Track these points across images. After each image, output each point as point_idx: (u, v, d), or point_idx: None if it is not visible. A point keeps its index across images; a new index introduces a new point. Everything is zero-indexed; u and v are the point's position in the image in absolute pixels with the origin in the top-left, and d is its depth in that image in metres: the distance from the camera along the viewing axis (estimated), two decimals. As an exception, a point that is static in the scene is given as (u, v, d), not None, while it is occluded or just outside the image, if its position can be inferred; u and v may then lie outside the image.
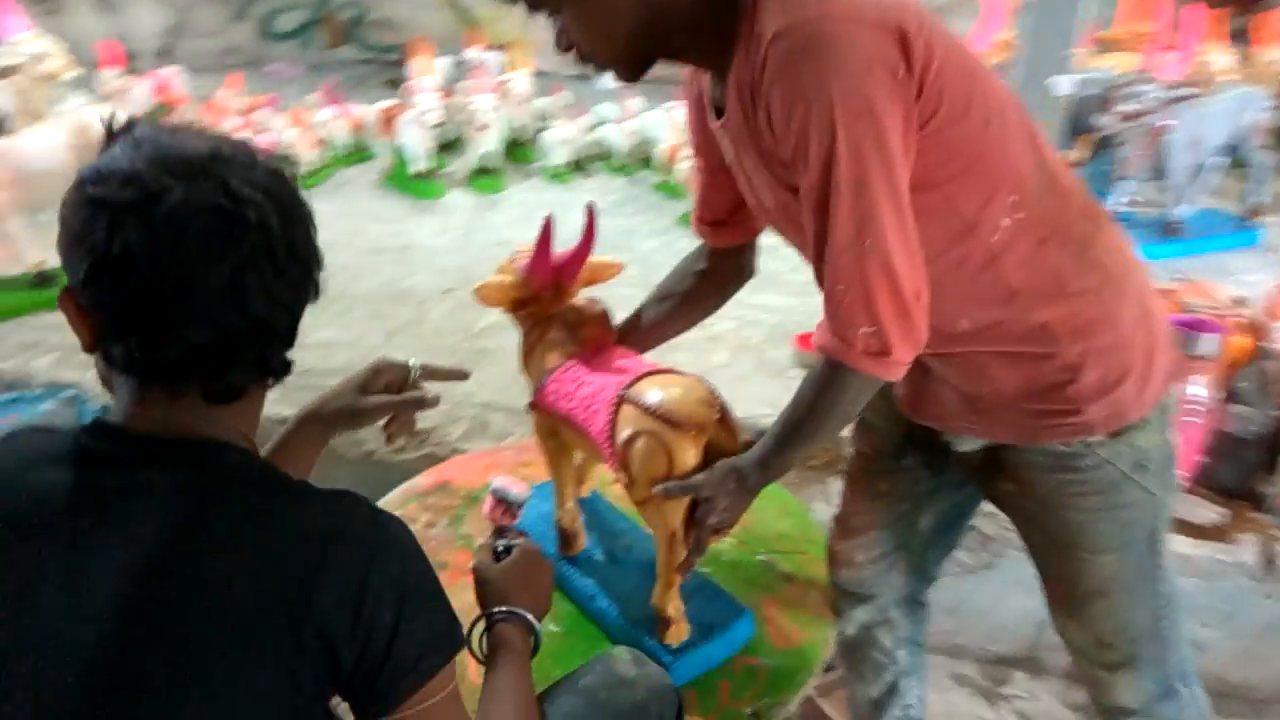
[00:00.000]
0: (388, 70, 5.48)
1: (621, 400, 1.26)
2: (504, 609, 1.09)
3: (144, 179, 0.75)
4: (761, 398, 2.35)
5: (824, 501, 2.13)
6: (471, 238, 3.41)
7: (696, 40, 1.04)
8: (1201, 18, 3.66)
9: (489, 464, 1.80)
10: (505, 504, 1.29)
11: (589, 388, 1.33)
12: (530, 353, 1.43)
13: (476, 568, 1.18)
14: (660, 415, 1.20)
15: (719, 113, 1.10)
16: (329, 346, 2.62)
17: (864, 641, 1.45)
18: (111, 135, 0.81)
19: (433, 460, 2.23)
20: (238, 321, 0.78)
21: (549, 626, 1.38)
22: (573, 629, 1.42)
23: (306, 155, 3.91)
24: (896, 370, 1.03)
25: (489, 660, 1.04)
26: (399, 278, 3.07)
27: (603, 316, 1.46)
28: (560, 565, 1.50)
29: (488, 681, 1.01)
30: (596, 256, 1.48)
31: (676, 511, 1.23)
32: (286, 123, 4.00)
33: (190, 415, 0.81)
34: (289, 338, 0.86)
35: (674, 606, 1.33)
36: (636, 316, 1.50)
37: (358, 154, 4.20)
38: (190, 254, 0.75)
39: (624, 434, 1.23)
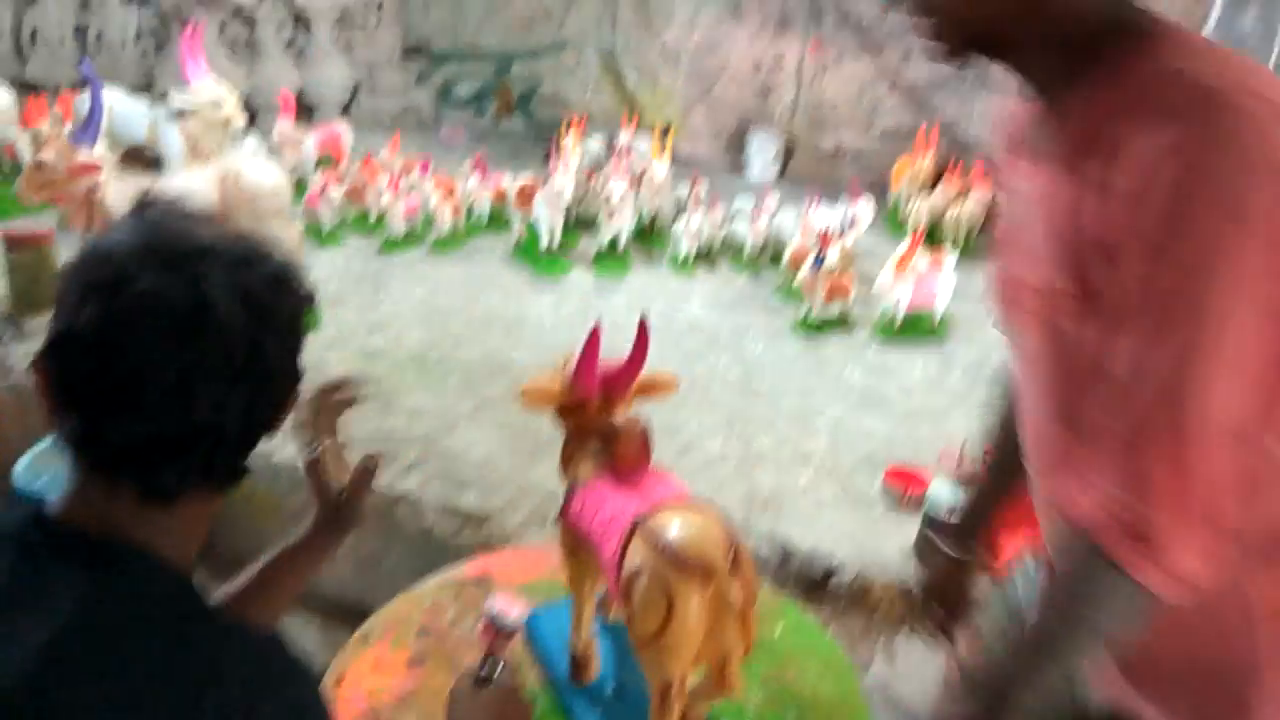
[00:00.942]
0: (547, 144, 5.68)
1: (634, 529, 1.18)
2: None
3: (122, 262, 0.75)
4: (839, 530, 2.23)
5: (885, 663, 1.97)
6: (585, 318, 3.42)
7: (1049, 45, 0.87)
8: None
9: (535, 560, 1.75)
10: (498, 629, 1.24)
11: (610, 510, 1.27)
12: (568, 461, 1.39)
13: (451, 693, 1.15)
14: (664, 552, 1.11)
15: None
16: (415, 414, 2.66)
17: None
18: (132, 211, 0.83)
19: (487, 548, 2.21)
20: (180, 422, 0.76)
21: None
22: None
23: (447, 221, 4.06)
24: (1167, 581, 0.78)
25: None
26: (502, 350, 3.11)
27: (642, 435, 1.40)
28: (567, 694, 1.43)
29: None
30: (652, 371, 1.43)
31: (677, 663, 1.13)
32: (433, 186, 4.18)
33: (125, 514, 0.79)
34: (243, 446, 0.83)
35: None
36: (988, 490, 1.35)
37: (496, 223, 4.33)
38: (141, 345, 0.74)
39: (629, 567, 1.15)
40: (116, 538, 0.78)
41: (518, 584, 1.65)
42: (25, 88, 4.76)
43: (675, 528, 1.14)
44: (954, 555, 1.37)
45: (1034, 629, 0.88)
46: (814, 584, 2.15)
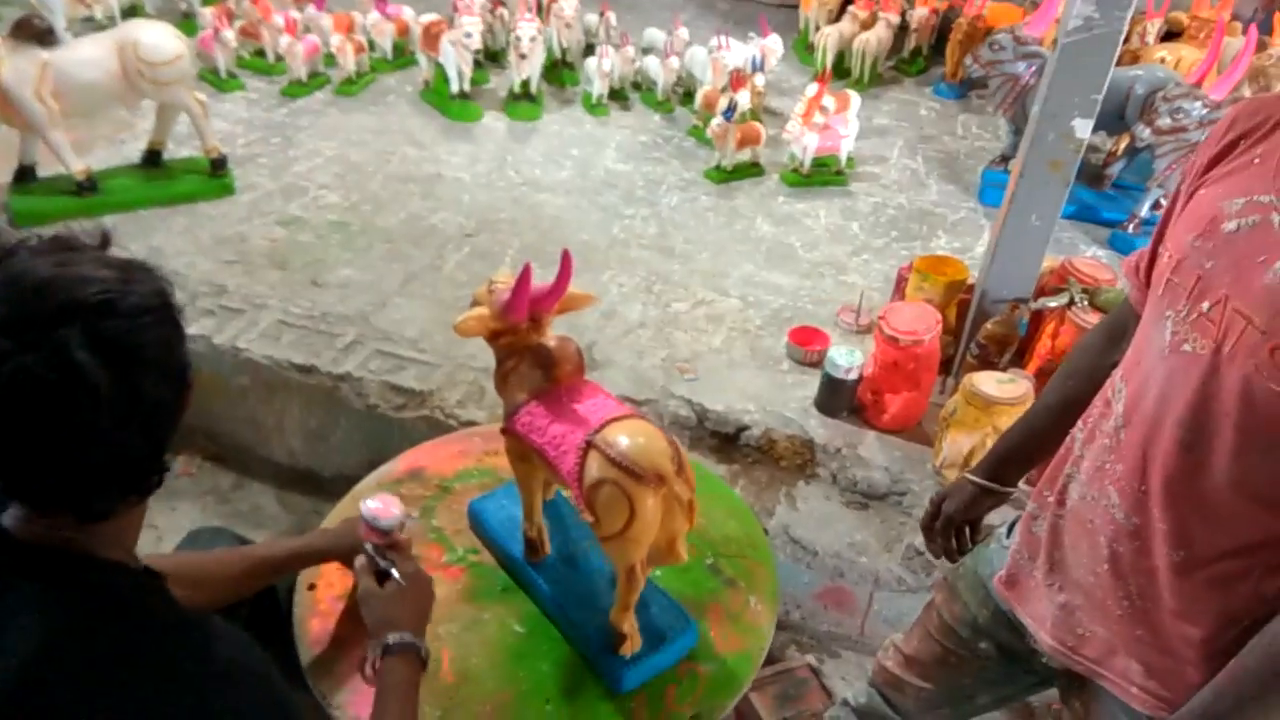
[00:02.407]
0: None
1: (589, 446, 1.35)
2: (395, 640, 1.24)
3: None
4: (747, 392, 2.46)
5: (788, 505, 2.27)
6: (500, 173, 3.47)
7: None
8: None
9: (461, 450, 1.90)
10: (377, 530, 1.43)
11: (559, 426, 1.44)
12: (504, 381, 1.52)
13: (361, 594, 1.34)
14: (624, 466, 1.29)
15: None
16: (346, 288, 2.74)
17: None
18: None
19: (430, 422, 2.39)
20: (82, 471, 0.85)
21: (514, 627, 1.55)
22: (535, 629, 1.56)
23: (350, 61, 3.93)
24: None
25: (379, 694, 1.20)
26: (422, 215, 3.15)
27: (577, 354, 1.55)
28: (526, 570, 1.64)
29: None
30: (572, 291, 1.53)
31: (639, 550, 1.35)
32: (331, 25, 4.01)
33: (70, 529, 0.90)
34: (153, 460, 0.92)
35: (629, 624, 1.47)
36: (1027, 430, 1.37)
37: (401, 60, 4.21)
38: (21, 423, 0.81)
39: (590, 479, 1.33)
40: (68, 549, 0.90)
41: (450, 474, 1.82)
42: None
43: (625, 443, 1.31)
44: (986, 485, 1.38)
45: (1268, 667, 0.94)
46: (726, 440, 2.41)
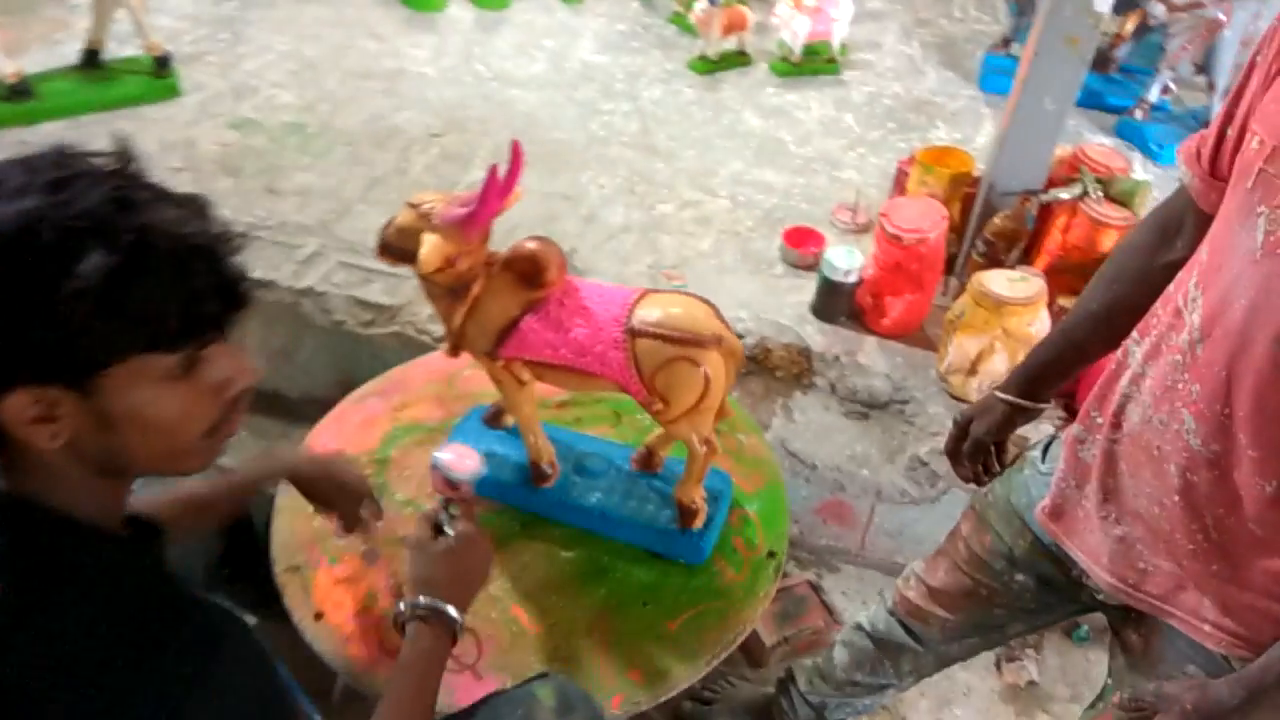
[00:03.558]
0: None
1: (634, 334, 1.26)
2: (426, 603, 1.12)
3: None
4: (739, 298, 2.31)
5: (784, 417, 2.15)
6: (468, 67, 3.22)
7: None
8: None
9: (364, 419, 1.70)
10: (450, 482, 1.29)
11: (579, 331, 1.30)
12: (476, 308, 1.36)
13: (411, 544, 1.20)
14: (684, 339, 1.23)
15: None
16: (306, 195, 2.54)
17: (885, 650, 1.47)
18: None
19: (402, 339, 2.24)
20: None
21: (560, 554, 1.48)
22: (582, 546, 1.49)
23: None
24: None
25: (399, 662, 1.08)
26: (384, 114, 2.92)
27: (560, 254, 1.38)
28: (543, 496, 1.52)
29: (394, 679, 1.07)
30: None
31: (710, 418, 1.33)
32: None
33: (33, 474, 0.79)
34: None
35: (700, 495, 1.45)
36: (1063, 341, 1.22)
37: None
38: None
39: (654, 364, 1.25)
40: (34, 500, 0.79)
41: (375, 445, 1.63)
42: None
43: (670, 315, 1.26)
44: (1016, 402, 1.25)
45: None
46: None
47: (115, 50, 2.97)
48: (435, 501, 1.30)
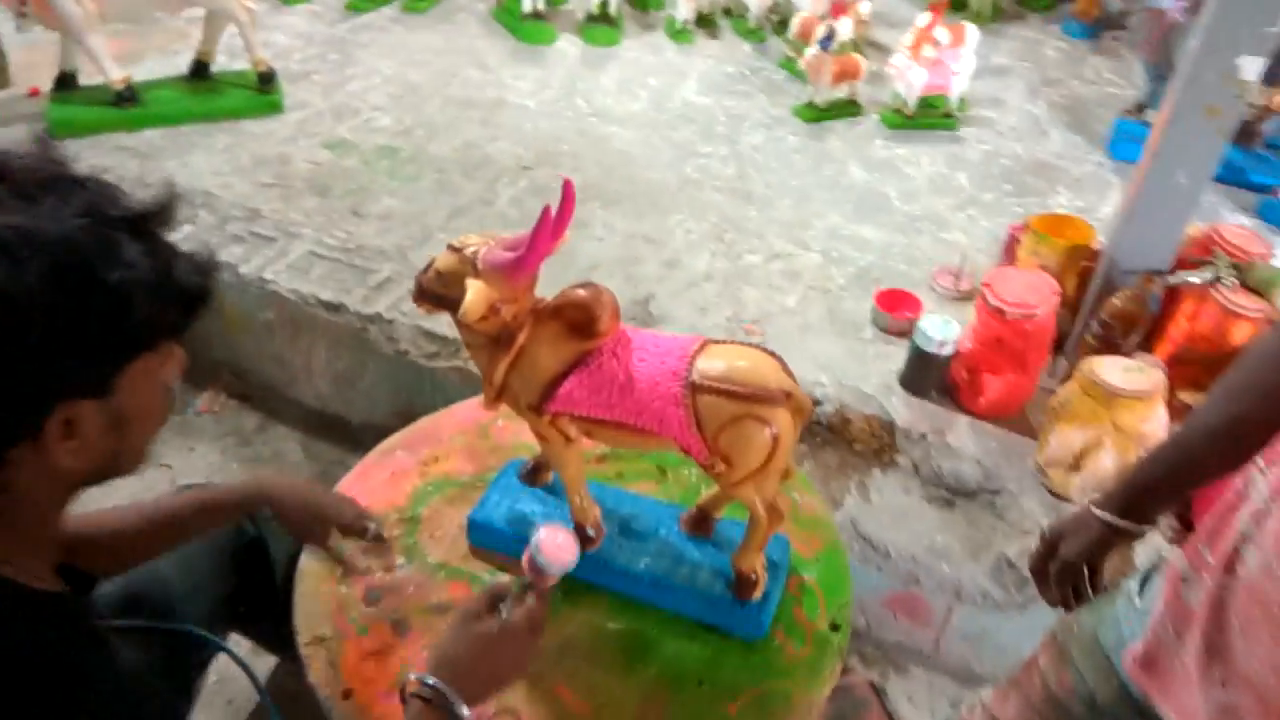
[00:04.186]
0: None
1: (695, 389, 1.14)
2: (437, 686, 1.00)
3: None
4: (820, 361, 2.16)
5: (859, 496, 1.97)
6: (568, 102, 3.17)
7: None
8: None
9: (392, 474, 1.55)
10: (535, 567, 1.16)
11: (638, 384, 1.19)
12: (521, 358, 1.25)
13: (458, 610, 1.10)
14: (749, 395, 1.12)
15: None
16: (388, 219, 2.51)
17: None
18: None
19: (462, 373, 2.16)
20: None
21: (608, 625, 1.34)
22: (630, 617, 1.35)
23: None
24: None
25: None
26: (478, 143, 2.89)
27: (614, 302, 1.26)
28: (590, 561, 1.32)
29: None
30: None
31: (776, 479, 1.21)
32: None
33: None
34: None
35: (761, 564, 1.31)
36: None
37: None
38: None
39: (718, 421, 1.14)
40: None
41: (404, 502, 1.49)
42: None
43: (734, 369, 1.14)
44: (1115, 523, 1.08)
45: None
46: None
47: (225, 64, 3.04)
48: (511, 579, 1.17)
